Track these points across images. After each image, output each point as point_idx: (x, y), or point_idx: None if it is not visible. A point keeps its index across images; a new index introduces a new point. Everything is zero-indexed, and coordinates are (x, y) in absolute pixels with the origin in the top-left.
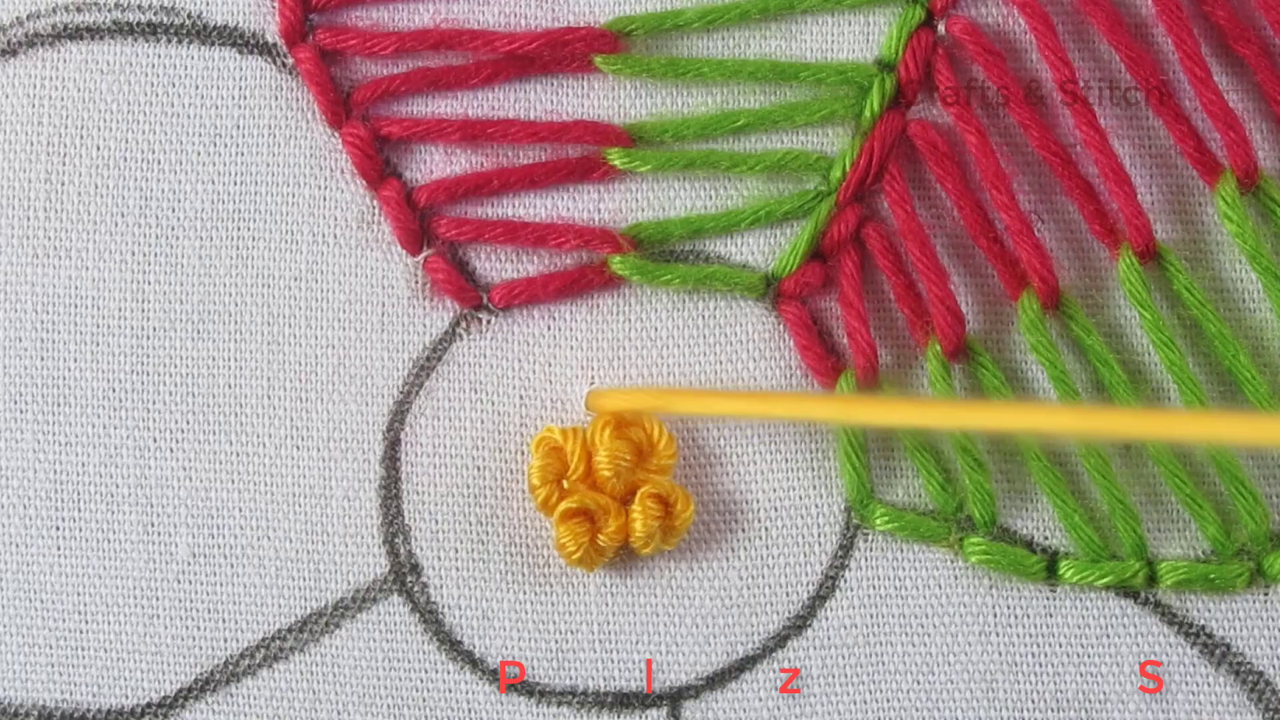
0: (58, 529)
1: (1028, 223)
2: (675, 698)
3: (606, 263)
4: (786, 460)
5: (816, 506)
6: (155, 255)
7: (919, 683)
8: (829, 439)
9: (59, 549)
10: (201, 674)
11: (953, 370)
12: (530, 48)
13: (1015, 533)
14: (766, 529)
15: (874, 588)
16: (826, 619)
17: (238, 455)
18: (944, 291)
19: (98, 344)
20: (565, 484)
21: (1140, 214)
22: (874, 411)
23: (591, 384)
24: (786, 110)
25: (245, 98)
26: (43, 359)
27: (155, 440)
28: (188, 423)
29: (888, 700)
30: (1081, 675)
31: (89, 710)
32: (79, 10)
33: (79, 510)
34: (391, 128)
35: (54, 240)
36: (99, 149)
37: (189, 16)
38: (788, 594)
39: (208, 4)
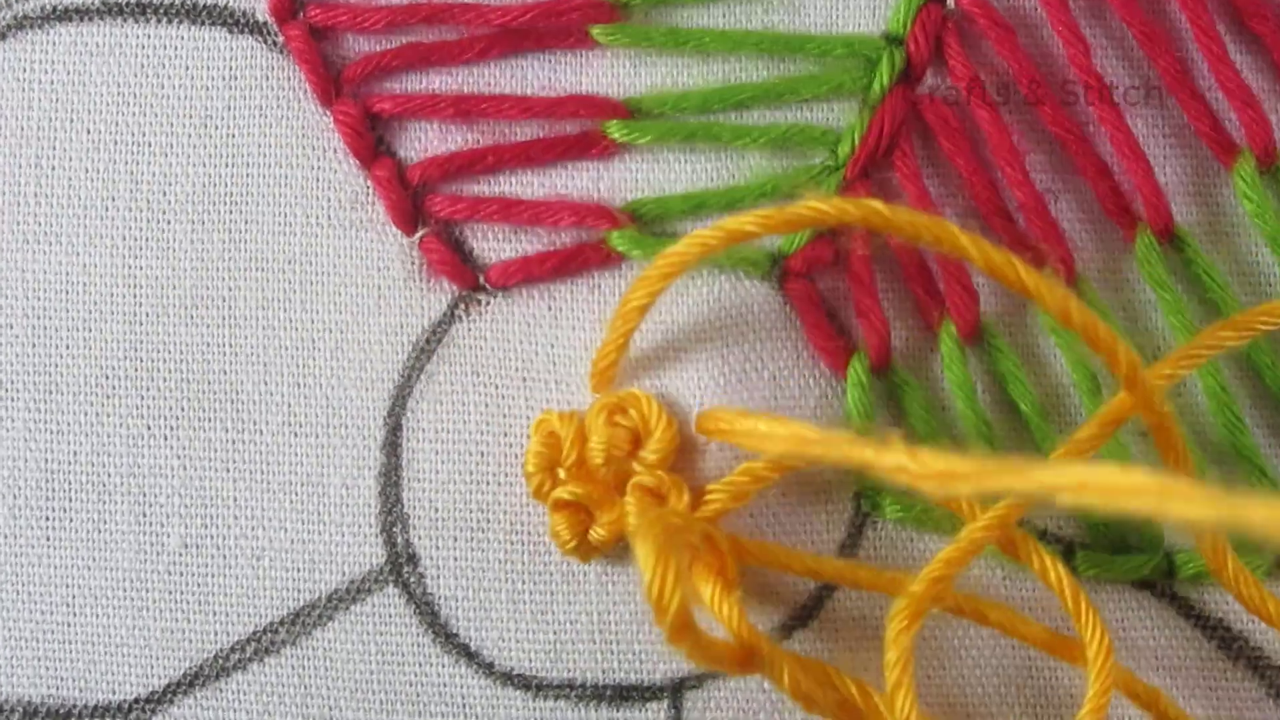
0: (47, 519)
1: (1043, 201)
2: (676, 689)
3: (605, 239)
4: None
5: (824, 494)
6: (146, 239)
7: (930, 676)
8: (838, 424)
9: (48, 540)
10: (191, 668)
11: (967, 353)
12: (524, 20)
13: (1030, 523)
14: (774, 515)
15: None
16: (834, 610)
17: (232, 443)
18: (958, 269)
19: (88, 330)
20: (561, 471)
21: (1158, 193)
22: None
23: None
24: (792, 83)
25: (236, 78)
26: (33, 345)
27: (148, 428)
28: (181, 410)
29: None
30: None
31: (76, 705)
32: None
33: (69, 500)
34: (383, 105)
35: (44, 224)
36: (89, 131)
37: None
38: (794, 584)
39: None
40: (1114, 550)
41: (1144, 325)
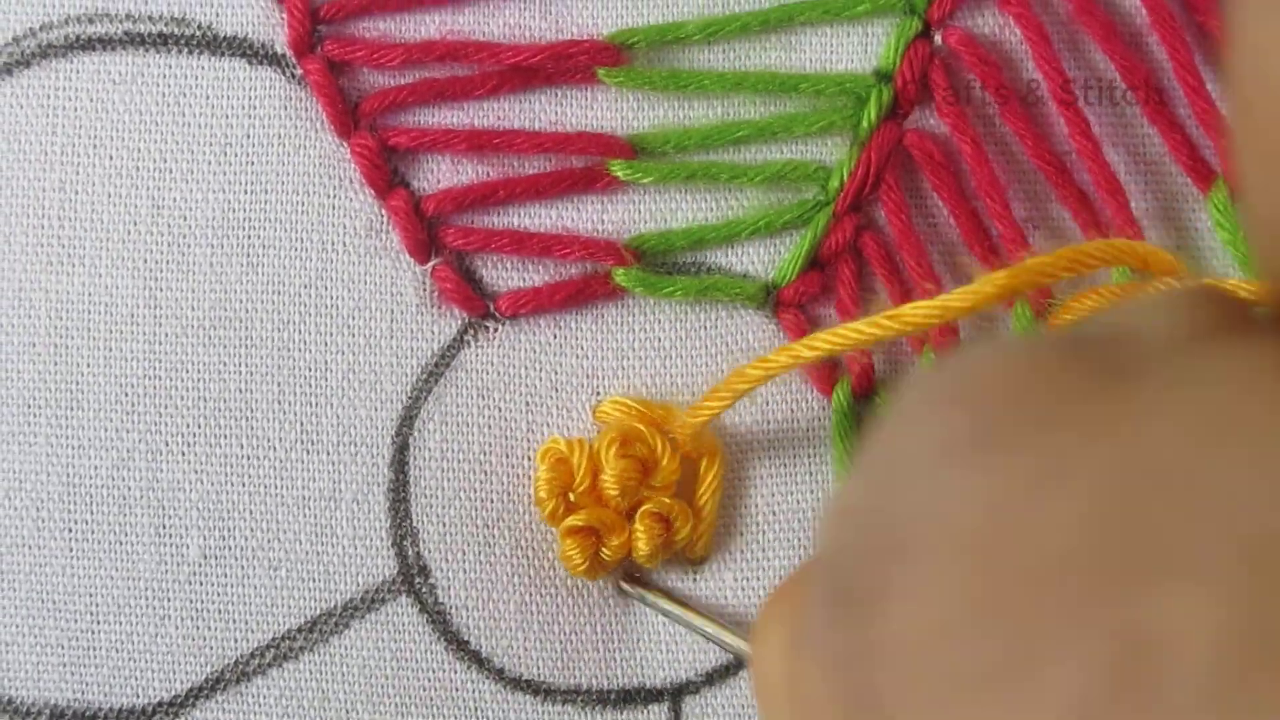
0: (70, 531)
1: (1022, 232)
2: (676, 694)
3: (610, 274)
4: (783, 463)
5: (813, 510)
6: (167, 263)
7: None
8: (826, 441)
9: (71, 550)
10: (212, 673)
11: None
12: (534, 60)
13: None
14: (763, 531)
15: None
16: None
17: (248, 459)
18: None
19: (110, 350)
20: (571, 496)
21: (1133, 223)
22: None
23: (597, 393)
24: (785, 121)
25: (255, 108)
26: (56, 364)
27: (167, 444)
28: (199, 427)
29: None
30: None
31: (101, 709)
32: (91, 22)
33: (91, 512)
34: (399, 138)
35: (67, 248)
36: (111, 158)
37: (200, 28)
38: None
39: (218, 15)
40: None
41: None
